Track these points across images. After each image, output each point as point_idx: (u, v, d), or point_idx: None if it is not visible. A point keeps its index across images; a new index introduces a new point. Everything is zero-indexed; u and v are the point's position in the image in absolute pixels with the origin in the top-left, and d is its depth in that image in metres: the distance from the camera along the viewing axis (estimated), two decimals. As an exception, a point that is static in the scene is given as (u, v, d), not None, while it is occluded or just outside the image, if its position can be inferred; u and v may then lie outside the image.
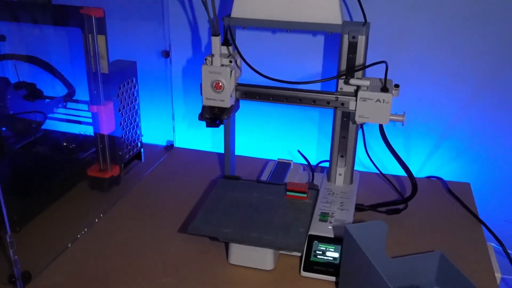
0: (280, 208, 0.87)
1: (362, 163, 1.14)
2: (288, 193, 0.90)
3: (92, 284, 0.79)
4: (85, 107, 1.04)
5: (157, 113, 1.23)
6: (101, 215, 0.96)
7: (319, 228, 0.84)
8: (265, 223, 0.82)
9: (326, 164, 1.12)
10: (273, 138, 1.24)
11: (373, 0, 1.03)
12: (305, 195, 0.89)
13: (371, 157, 1.00)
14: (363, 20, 0.92)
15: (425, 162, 1.19)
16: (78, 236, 0.90)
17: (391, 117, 0.87)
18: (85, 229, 0.91)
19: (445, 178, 1.12)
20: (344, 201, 0.94)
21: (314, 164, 1.16)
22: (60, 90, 1.14)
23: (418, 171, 1.20)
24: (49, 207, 0.96)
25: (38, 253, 0.84)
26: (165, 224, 0.93)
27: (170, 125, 1.24)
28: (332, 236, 0.83)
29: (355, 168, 1.01)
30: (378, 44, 1.06)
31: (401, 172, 0.99)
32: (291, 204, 0.88)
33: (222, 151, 1.03)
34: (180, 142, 1.28)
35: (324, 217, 0.88)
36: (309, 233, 0.83)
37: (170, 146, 1.25)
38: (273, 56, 1.13)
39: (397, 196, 1.05)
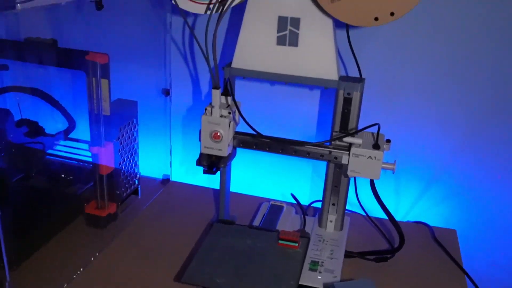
0: (271, 257, 0.89)
1: (353, 203, 1.17)
2: (280, 241, 0.93)
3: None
4: (85, 145, 1.07)
5: (155, 147, 1.25)
6: (97, 254, 0.98)
7: (308, 278, 0.87)
8: (257, 273, 0.85)
9: (319, 204, 1.16)
10: (268, 174, 1.27)
11: (368, 55, 1.07)
12: (296, 244, 0.92)
13: (363, 199, 1.03)
14: (358, 75, 0.96)
15: (413, 204, 1.23)
16: (74, 276, 0.92)
17: (383, 165, 0.90)
18: (81, 269, 0.93)
19: (432, 221, 1.15)
20: (334, 249, 0.97)
21: (307, 203, 1.19)
22: (60, 123, 1.16)
23: (407, 213, 1.23)
24: (46, 244, 0.98)
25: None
26: (161, 266, 0.95)
27: (167, 159, 1.27)
28: (322, 287, 0.86)
29: (347, 208, 1.05)
30: (372, 92, 1.09)
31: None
32: (282, 253, 0.91)
33: (217, 186, 1.05)
34: (176, 174, 1.31)
35: (314, 266, 0.91)
36: (299, 283, 0.86)
37: (166, 180, 1.27)
38: (271, 106, 1.17)
39: (385, 241, 1.08)
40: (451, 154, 1.16)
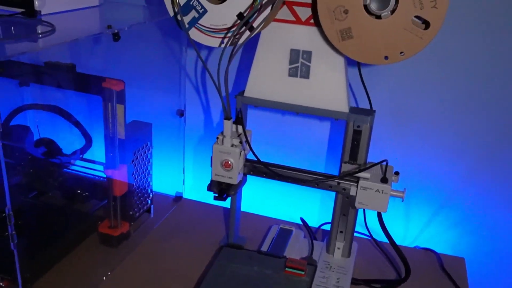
0: (277, 285, 0.91)
1: (361, 224, 1.18)
2: (287, 269, 0.94)
3: None
4: (100, 167, 1.10)
5: (169, 165, 1.28)
6: (109, 273, 1.01)
7: (314, 308, 0.89)
8: (263, 302, 0.87)
9: (328, 227, 1.17)
10: (278, 195, 1.29)
11: (378, 85, 1.08)
12: (303, 273, 0.94)
13: (371, 222, 1.04)
14: (367, 104, 0.97)
15: (422, 230, 1.23)
16: (86, 295, 0.95)
17: (391, 193, 0.92)
18: (93, 288, 0.97)
19: (441, 248, 1.16)
20: (341, 276, 0.98)
21: (316, 225, 1.20)
22: (77, 140, 1.19)
23: (415, 239, 1.24)
24: (60, 262, 1.01)
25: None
26: None
27: (180, 177, 1.29)
28: (325, 318, 0.87)
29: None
30: (382, 118, 1.10)
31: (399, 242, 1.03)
32: (288, 280, 0.93)
33: (228, 205, 1.07)
34: (188, 192, 1.33)
35: (319, 294, 0.92)
36: (304, 312, 0.88)
37: (179, 198, 1.30)
38: (281, 135, 1.18)
39: (392, 269, 1.08)
40: (461, 180, 1.16)
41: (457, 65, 1.05)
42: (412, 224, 1.24)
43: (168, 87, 1.19)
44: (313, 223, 1.19)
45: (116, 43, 0.92)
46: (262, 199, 1.30)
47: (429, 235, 1.23)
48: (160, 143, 1.20)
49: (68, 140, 1.20)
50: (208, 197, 1.32)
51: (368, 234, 1.12)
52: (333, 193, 1.01)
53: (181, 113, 1.22)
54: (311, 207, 1.27)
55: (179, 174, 1.29)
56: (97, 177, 1.21)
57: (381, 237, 1.13)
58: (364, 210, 1.05)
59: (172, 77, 1.17)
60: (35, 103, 1.21)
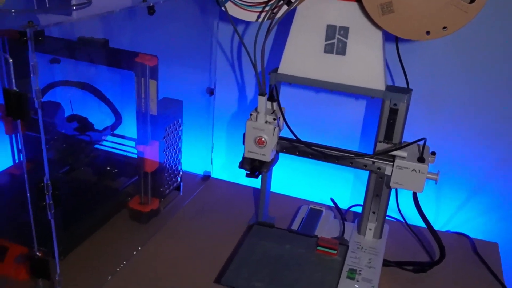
0: (309, 264, 0.90)
1: (393, 208, 1.16)
2: (318, 248, 0.94)
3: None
4: (131, 142, 1.10)
5: (198, 144, 1.28)
6: (139, 248, 1.01)
7: (346, 287, 0.88)
8: (294, 281, 0.86)
9: (358, 209, 1.16)
10: (309, 176, 1.28)
11: (416, 65, 1.06)
12: (335, 252, 0.93)
13: (404, 205, 1.03)
14: (405, 83, 0.95)
15: (454, 215, 1.21)
16: (117, 269, 0.95)
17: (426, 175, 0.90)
18: (124, 262, 0.97)
19: (473, 233, 1.13)
20: (372, 257, 0.97)
21: (346, 207, 1.19)
22: (106, 118, 1.20)
23: (446, 223, 1.22)
24: (91, 236, 1.02)
25: (80, 285, 0.90)
26: (199, 264, 0.97)
27: (208, 156, 1.29)
28: (357, 297, 0.86)
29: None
30: (417, 101, 1.08)
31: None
32: (320, 260, 0.92)
33: (257, 185, 1.06)
34: (217, 171, 1.33)
35: (352, 274, 0.91)
36: (337, 291, 0.87)
37: (207, 177, 1.30)
38: (315, 114, 1.17)
39: (424, 252, 1.07)
40: (494, 165, 1.14)
41: (496, 47, 1.02)
42: (443, 209, 1.21)
43: (199, 64, 1.18)
44: (343, 205, 1.18)
45: (149, 18, 0.92)
46: (291, 180, 1.29)
47: (461, 220, 1.21)
48: (190, 121, 1.19)
49: (99, 117, 1.20)
50: (237, 177, 1.32)
51: (400, 218, 1.10)
52: (364, 176, 0.99)
53: (211, 92, 1.21)
54: (341, 190, 1.25)
55: (208, 153, 1.29)
56: (128, 155, 1.21)
57: (412, 221, 1.11)
58: (396, 192, 1.03)
59: (203, 54, 1.16)
60: (66, 80, 1.21)
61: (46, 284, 0.87)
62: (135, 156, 1.05)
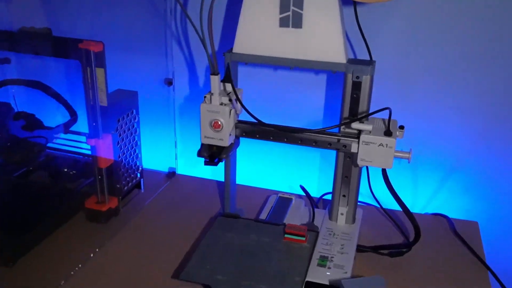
0: (276, 253, 0.84)
1: (366, 194, 1.11)
2: (286, 235, 0.87)
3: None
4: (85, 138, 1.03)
5: (159, 139, 1.21)
6: (97, 250, 0.94)
7: (316, 275, 0.82)
8: (260, 270, 0.80)
9: (329, 197, 1.10)
10: (276, 165, 1.22)
11: (380, 37, 1.00)
12: (303, 239, 0.87)
13: (377, 189, 0.97)
14: (368, 58, 0.90)
15: (432, 197, 1.16)
16: (72, 273, 0.88)
17: (397, 154, 0.84)
18: (79, 265, 0.90)
19: (453, 214, 1.09)
20: (345, 243, 0.91)
21: (317, 196, 1.13)
22: (63, 117, 1.13)
23: (425, 205, 1.17)
24: (44, 240, 0.95)
25: (31, 291, 0.83)
26: (162, 263, 0.91)
27: (172, 152, 1.22)
28: (328, 283, 0.80)
29: (359, 200, 0.99)
30: (385, 78, 1.03)
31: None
32: (288, 248, 0.86)
33: (223, 179, 1.01)
34: (181, 167, 1.26)
35: (323, 261, 0.85)
36: (306, 279, 0.80)
37: (172, 173, 1.23)
38: (275, 93, 1.11)
39: (400, 235, 1.01)
40: (471, 143, 1.09)
41: (467, 19, 0.97)
42: (420, 191, 1.16)
43: (154, 53, 1.12)
44: (313, 194, 1.12)
45: (95, 2, 0.86)
46: (259, 171, 1.23)
47: (440, 201, 1.16)
48: (150, 115, 1.13)
49: (55, 116, 1.14)
50: (204, 172, 1.26)
51: (375, 203, 1.05)
52: (333, 161, 0.94)
53: (169, 82, 1.15)
54: (311, 177, 1.19)
55: (171, 149, 1.22)
56: (83, 157, 1.14)
57: (387, 205, 1.06)
58: (368, 174, 0.98)
59: (157, 43, 1.10)
60: (16, 79, 1.14)
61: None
62: (90, 156, 0.99)
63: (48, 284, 0.85)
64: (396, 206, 1.04)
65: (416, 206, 1.16)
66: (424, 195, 1.16)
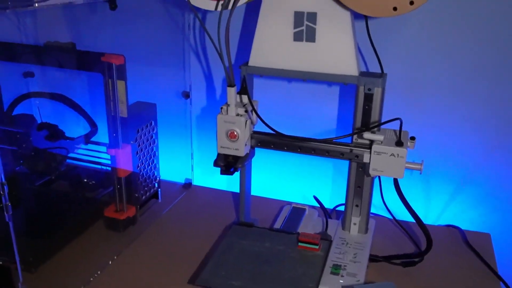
0: (290, 260, 0.86)
1: (379, 206, 1.12)
2: (300, 244, 0.89)
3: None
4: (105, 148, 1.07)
5: (176, 151, 1.24)
6: (115, 257, 0.97)
7: (329, 282, 0.83)
8: (274, 277, 0.82)
9: (343, 208, 1.12)
10: (289, 178, 1.24)
11: (391, 49, 1.03)
12: (316, 247, 0.89)
13: (389, 201, 0.99)
14: (379, 70, 0.92)
15: (444, 209, 1.17)
16: (91, 279, 0.91)
17: (408, 165, 0.86)
18: (98, 272, 0.92)
19: (465, 226, 1.09)
20: (358, 252, 0.92)
21: (331, 207, 1.15)
22: (83, 129, 1.17)
23: (437, 217, 1.17)
24: (65, 247, 0.98)
25: (51, 296, 0.86)
26: (178, 270, 0.93)
27: (189, 163, 1.25)
28: (340, 290, 0.82)
29: (371, 211, 1.00)
30: (397, 90, 1.05)
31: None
32: (302, 256, 0.87)
33: (238, 190, 1.03)
34: (198, 179, 1.29)
35: (336, 269, 0.87)
36: (319, 287, 0.82)
37: (188, 184, 1.26)
38: (289, 104, 1.14)
39: (413, 245, 1.03)
40: (483, 154, 1.10)
41: (478, 31, 0.99)
42: (433, 203, 1.17)
43: (172, 67, 1.15)
44: (327, 205, 1.14)
45: (113, 15, 0.90)
46: (273, 183, 1.25)
47: (452, 213, 1.16)
48: (167, 128, 1.17)
49: (75, 128, 1.18)
50: (219, 184, 1.28)
51: (387, 214, 1.06)
52: (346, 173, 0.96)
53: (186, 95, 1.18)
54: (324, 189, 1.21)
55: (188, 160, 1.25)
56: (103, 168, 1.18)
57: (400, 217, 1.07)
58: (380, 185, 1.00)
59: (176, 56, 1.14)
60: (39, 91, 1.19)
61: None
62: (110, 166, 1.02)
63: (68, 289, 0.88)
64: (408, 217, 1.06)
65: (429, 218, 1.17)
66: (437, 207, 1.17)
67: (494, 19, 0.98)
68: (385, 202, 1.02)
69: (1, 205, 0.70)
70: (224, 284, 0.80)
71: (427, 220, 1.17)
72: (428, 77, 1.06)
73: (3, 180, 0.68)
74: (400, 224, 1.07)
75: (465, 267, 0.96)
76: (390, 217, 1.09)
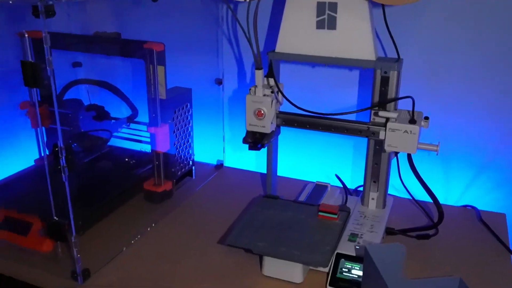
0: (311, 227, 0.94)
1: (397, 189, 1.19)
2: (319, 213, 0.98)
3: (140, 285, 0.90)
4: (145, 127, 1.17)
5: (209, 135, 1.35)
6: (153, 225, 1.07)
7: (346, 247, 0.91)
8: (296, 240, 0.90)
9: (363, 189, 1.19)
10: (313, 160, 1.32)
11: (411, 35, 1.09)
12: (335, 216, 0.97)
13: (408, 183, 1.05)
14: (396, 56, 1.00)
15: (464, 192, 1.22)
16: (132, 242, 1.01)
17: (425, 146, 0.94)
18: (138, 236, 1.03)
19: (484, 209, 1.14)
20: (375, 224, 1.00)
21: (352, 187, 1.22)
22: (125, 112, 1.28)
23: (457, 200, 1.22)
24: (109, 215, 1.09)
25: (97, 255, 0.96)
26: (209, 237, 1.03)
27: (220, 146, 1.35)
28: (355, 255, 0.89)
29: (390, 193, 1.07)
30: (415, 75, 1.12)
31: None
32: (322, 224, 0.96)
33: (265, 171, 1.12)
34: (229, 161, 1.39)
35: (353, 237, 0.94)
36: (337, 251, 0.90)
37: (220, 165, 1.36)
38: (313, 88, 1.22)
39: (428, 222, 1.09)
40: (502, 139, 1.14)
41: (497, 18, 1.03)
42: (453, 186, 1.22)
43: (207, 55, 1.25)
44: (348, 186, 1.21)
45: (157, 8, 1.00)
46: (298, 164, 1.33)
47: (471, 197, 1.21)
48: (201, 113, 1.27)
49: (118, 113, 1.29)
50: (248, 165, 1.38)
51: (404, 187, 1.11)
52: (365, 155, 1.03)
53: (219, 82, 1.28)
54: (345, 171, 1.28)
55: (220, 143, 1.35)
56: (144, 150, 1.29)
57: (418, 197, 1.13)
58: (398, 164, 1.06)
59: (210, 46, 1.24)
60: (86, 78, 1.31)
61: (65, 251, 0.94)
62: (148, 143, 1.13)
63: (113, 249, 0.99)
64: (425, 198, 1.12)
65: (449, 200, 1.23)
66: (456, 191, 1.22)
67: None
68: (402, 181, 1.08)
69: (59, 167, 0.81)
70: (250, 244, 0.89)
71: (447, 202, 1.22)
72: (446, 64, 1.11)
73: (62, 145, 0.80)
74: (417, 201, 1.13)
75: (478, 243, 1.02)
76: (409, 197, 1.15)
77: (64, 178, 0.82)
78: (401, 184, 1.08)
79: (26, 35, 0.85)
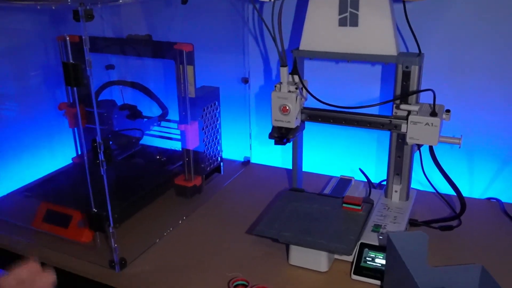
0: (335, 218, 0.98)
1: (420, 182, 1.21)
2: (344, 205, 1.01)
3: (173, 274, 0.94)
4: (176, 125, 1.23)
5: (236, 132, 1.39)
6: (184, 218, 1.12)
7: (370, 237, 0.94)
8: (321, 230, 0.94)
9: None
10: (337, 155, 1.35)
11: (434, 31, 1.11)
12: (359, 208, 1.00)
13: (431, 177, 1.07)
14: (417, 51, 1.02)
15: (488, 185, 1.23)
16: (165, 234, 1.07)
17: (448, 139, 0.96)
18: (171, 229, 1.08)
19: (509, 201, 1.15)
20: (398, 215, 1.03)
21: (376, 182, 1.25)
22: (156, 111, 1.34)
23: (482, 194, 1.23)
24: (142, 209, 1.15)
25: (132, 246, 1.02)
26: (237, 228, 1.08)
27: (247, 143, 1.40)
28: (378, 244, 0.92)
29: (414, 187, 1.10)
30: (439, 70, 1.14)
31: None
32: (346, 215, 0.99)
33: (291, 167, 1.16)
34: (255, 158, 1.43)
35: (376, 228, 0.97)
36: (361, 241, 0.93)
37: (246, 162, 1.40)
38: (336, 83, 1.25)
39: (451, 215, 1.10)
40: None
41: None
42: (477, 180, 1.24)
43: (233, 55, 1.30)
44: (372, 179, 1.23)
45: (186, 10, 1.05)
46: (323, 159, 1.36)
47: (496, 190, 1.22)
48: (228, 111, 1.31)
49: (149, 112, 1.35)
50: (275, 161, 1.42)
51: (428, 180, 1.12)
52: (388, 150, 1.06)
53: (245, 80, 1.33)
54: (369, 166, 1.30)
55: (247, 140, 1.40)
56: (173, 149, 1.34)
57: (441, 191, 1.15)
58: (421, 157, 1.08)
59: (237, 45, 1.29)
60: (119, 80, 1.37)
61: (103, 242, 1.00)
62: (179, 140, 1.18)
63: (147, 241, 1.04)
64: (448, 191, 1.14)
65: (473, 193, 1.24)
66: (481, 184, 1.23)
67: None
68: (425, 173, 1.11)
69: (97, 161, 0.86)
70: (277, 234, 0.93)
71: (472, 195, 1.23)
72: (469, 59, 1.13)
73: (100, 140, 0.85)
74: (440, 194, 1.15)
75: (501, 235, 1.03)
76: (432, 190, 1.16)
77: (102, 172, 0.87)
78: (425, 178, 1.10)
79: (68, 39, 0.91)
